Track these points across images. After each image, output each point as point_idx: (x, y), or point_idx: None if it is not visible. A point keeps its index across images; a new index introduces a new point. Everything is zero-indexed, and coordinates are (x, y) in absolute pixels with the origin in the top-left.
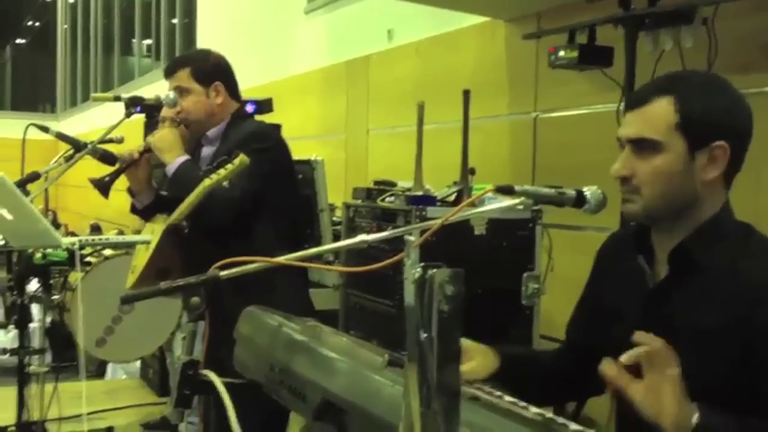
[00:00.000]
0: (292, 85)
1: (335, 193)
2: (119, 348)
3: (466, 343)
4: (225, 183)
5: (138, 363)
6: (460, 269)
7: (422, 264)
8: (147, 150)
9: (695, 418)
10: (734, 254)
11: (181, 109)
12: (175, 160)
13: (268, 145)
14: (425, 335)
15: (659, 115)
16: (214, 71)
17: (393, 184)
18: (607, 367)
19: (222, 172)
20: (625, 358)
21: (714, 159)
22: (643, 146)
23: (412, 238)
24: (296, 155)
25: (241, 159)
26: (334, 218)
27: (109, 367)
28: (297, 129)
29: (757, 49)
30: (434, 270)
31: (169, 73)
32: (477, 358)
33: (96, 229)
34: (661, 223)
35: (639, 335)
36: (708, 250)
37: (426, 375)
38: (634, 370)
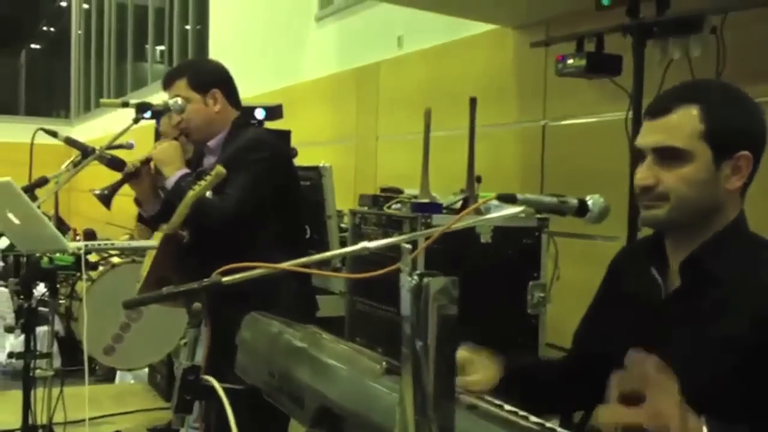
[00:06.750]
0: (303, 91)
1: (344, 199)
2: (127, 356)
3: (469, 355)
4: (209, 193)
5: (146, 368)
6: (454, 277)
7: (418, 272)
8: (148, 161)
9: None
10: (747, 264)
11: (181, 119)
12: (174, 173)
13: (265, 154)
14: (420, 343)
15: (685, 124)
16: (211, 79)
17: (400, 191)
18: (603, 415)
19: (202, 183)
20: (615, 383)
21: (738, 169)
22: (668, 155)
23: (408, 246)
24: (306, 161)
25: (217, 171)
26: (342, 225)
27: (118, 371)
28: (307, 135)
29: (765, 58)
30: (430, 278)
31: (167, 85)
32: (480, 371)
33: (90, 235)
34: (681, 230)
35: (629, 357)
36: (720, 259)
37: (421, 382)
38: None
